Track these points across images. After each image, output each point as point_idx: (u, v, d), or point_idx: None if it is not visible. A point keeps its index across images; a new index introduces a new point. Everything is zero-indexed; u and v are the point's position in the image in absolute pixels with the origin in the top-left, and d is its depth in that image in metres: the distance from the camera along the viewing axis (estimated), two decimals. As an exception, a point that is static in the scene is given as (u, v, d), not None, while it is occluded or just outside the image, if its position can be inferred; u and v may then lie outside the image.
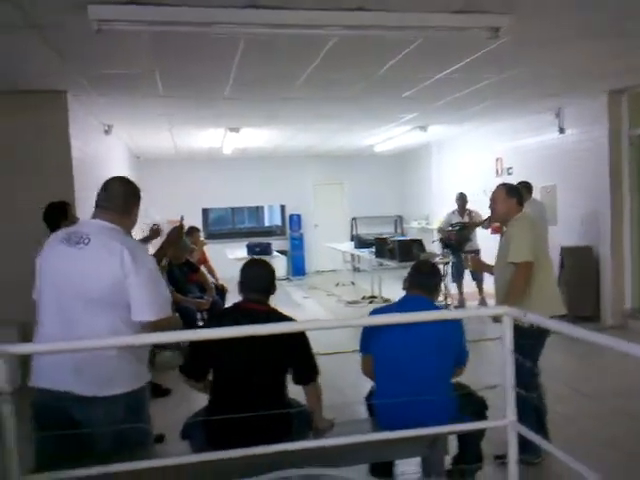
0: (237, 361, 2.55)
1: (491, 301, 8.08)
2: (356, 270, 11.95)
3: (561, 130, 7.56)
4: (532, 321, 2.79)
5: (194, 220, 12.34)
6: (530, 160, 8.39)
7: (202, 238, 8.24)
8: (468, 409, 2.85)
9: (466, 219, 8.25)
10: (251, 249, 8.84)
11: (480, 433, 2.93)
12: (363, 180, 13.16)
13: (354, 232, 12.84)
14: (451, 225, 8.22)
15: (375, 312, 2.89)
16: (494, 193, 3.67)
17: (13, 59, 4.34)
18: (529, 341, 3.32)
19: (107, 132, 7.45)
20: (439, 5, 3.53)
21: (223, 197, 12.76)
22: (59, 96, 5.42)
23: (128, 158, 10.24)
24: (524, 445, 2.74)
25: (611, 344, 2.42)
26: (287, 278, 12.37)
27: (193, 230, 7.33)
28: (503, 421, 2.87)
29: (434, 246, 8.91)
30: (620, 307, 6.78)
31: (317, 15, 3.48)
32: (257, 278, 2.76)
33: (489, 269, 3.93)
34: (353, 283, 10.88)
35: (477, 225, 8.30)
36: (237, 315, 2.71)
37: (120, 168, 9.12)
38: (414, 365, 2.70)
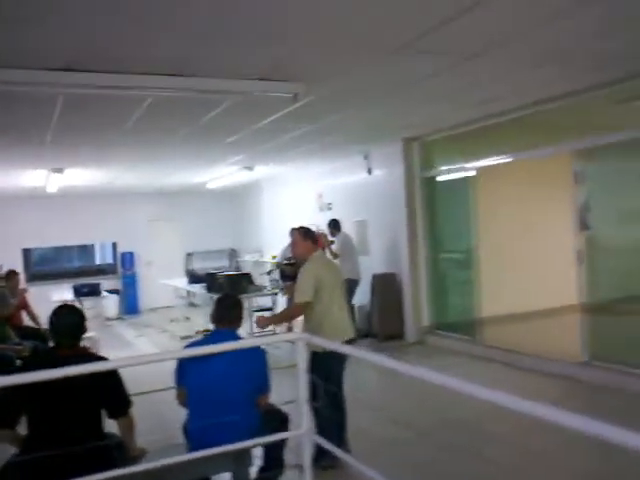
0: (50, 404, 2.72)
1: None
2: (191, 305, 12.09)
3: (369, 171, 8.61)
4: (320, 344, 3.36)
5: (13, 262, 11.64)
6: (346, 197, 9.38)
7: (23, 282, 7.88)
8: (272, 424, 3.30)
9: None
10: (78, 290, 8.61)
11: (281, 444, 3.38)
12: (198, 215, 13.40)
13: (189, 267, 12.97)
14: (286, 258, 8.82)
15: (188, 346, 3.25)
16: (293, 237, 4.29)
17: None
18: (328, 363, 3.96)
19: None
20: (243, 73, 4.07)
21: (49, 236, 12.13)
22: None
23: None
24: (322, 452, 3.29)
25: (374, 360, 3.08)
26: (120, 317, 12.08)
27: (12, 274, 7.02)
28: (299, 431, 3.37)
29: (265, 278, 9.45)
30: (419, 325, 7.85)
31: (133, 78, 3.82)
32: (65, 323, 2.94)
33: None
34: (188, 318, 10.98)
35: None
36: (49, 360, 2.89)
37: None
38: (220, 392, 3.08)
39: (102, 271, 13.17)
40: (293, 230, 4.36)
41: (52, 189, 9.83)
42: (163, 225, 13.24)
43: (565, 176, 6.23)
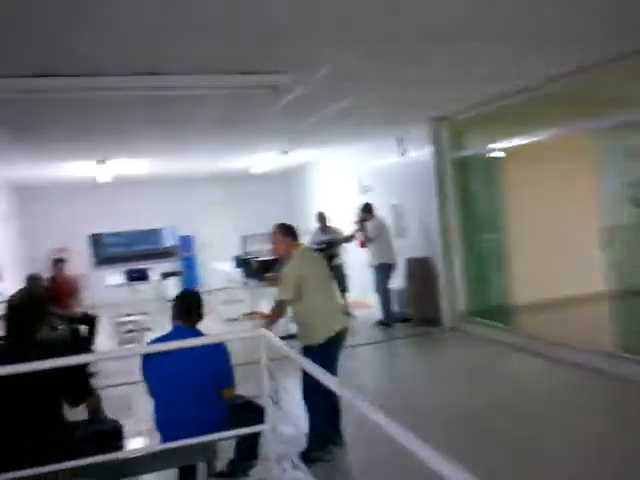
0: (9, 392, 2.87)
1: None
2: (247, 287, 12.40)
3: (402, 153, 8.40)
4: (276, 345, 3.37)
5: (80, 247, 12.51)
6: (383, 180, 9.21)
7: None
8: (243, 417, 3.35)
9: (329, 236, 8.92)
10: (128, 275, 9.09)
11: (255, 436, 3.44)
12: (252, 198, 13.64)
13: (244, 250, 13.28)
14: (317, 243, 8.85)
15: (152, 342, 3.37)
16: (272, 235, 4.19)
17: None
18: (318, 355, 3.99)
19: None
20: (221, 68, 4.07)
21: (112, 222, 12.84)
22: None
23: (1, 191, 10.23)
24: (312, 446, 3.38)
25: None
26: (178, 298, 12.61)
27: (57, 262, 7.55)
28: (264, 427, 3.42)
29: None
30: (455, 311, 7.63)
31: (111, 80, 3.97)
32: (18, 317, 3.08)
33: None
34: (240, 301, 11.30)
35: (345, 241, 9.03)
36: (10, 352, 3.02)
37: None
38: (180, 386, 3.19)
39: (164, 254, 13.78)
40: (274, 227, 4.27)
41: (103, 179, 10.38)
42: (219, 209, 13.60)
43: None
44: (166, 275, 12.88)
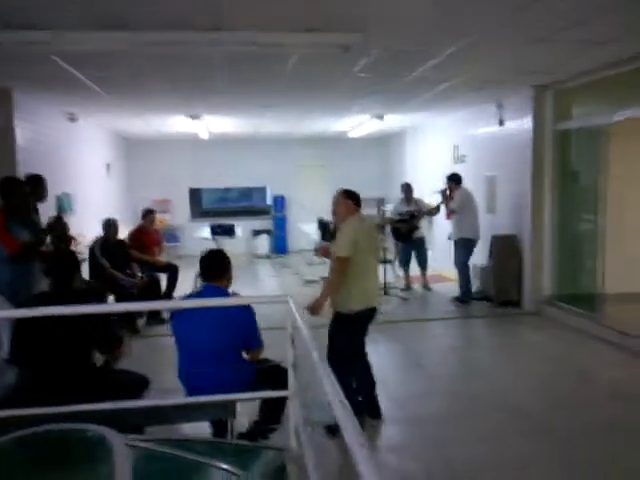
0: (48, 333, 3.05)
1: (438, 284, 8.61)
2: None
3: (501, 122, 7.80)
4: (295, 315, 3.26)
5: (182, 199, 13.14)
6: (479, 149, 8.67)
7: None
8: (270, 379, 3.33)
9: (412, 207, 8.60)
10: (214, 230, 9.37)
11: (279, 400, 3.41)
12: (349, 162, 13.46)
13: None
14: (400, 214, 8.59)
15: (184, 298, 3.41)
16: (335, 197, 4.11)
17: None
18: (348, 324, 3.90)
19: (72, 120, 8.04)
20: (292, 25, 3.94)
21: (211, 178, 13.30)
22: (4, 92, 6.03)
23: (108, 141, 10.84)
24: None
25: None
26: (267, 256, 12.94)
27: (148, 212, 7.94)
28: (285, 392, 3.37)
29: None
30: (538, 294, 7.10)
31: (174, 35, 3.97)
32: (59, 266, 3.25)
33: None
34: (324, 262, 11.32)
35: (429, 213, 8.69)
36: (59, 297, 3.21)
37: (96, 151, 9.77)
38: (201, 344, 3.21)
39: (259, 212, 14.11)
40: (337, 191, 4.19)
41: (203, 135, 10.72)
42: (314, 171, 13.60)
43: None
44: (257, 232, 13.27)
